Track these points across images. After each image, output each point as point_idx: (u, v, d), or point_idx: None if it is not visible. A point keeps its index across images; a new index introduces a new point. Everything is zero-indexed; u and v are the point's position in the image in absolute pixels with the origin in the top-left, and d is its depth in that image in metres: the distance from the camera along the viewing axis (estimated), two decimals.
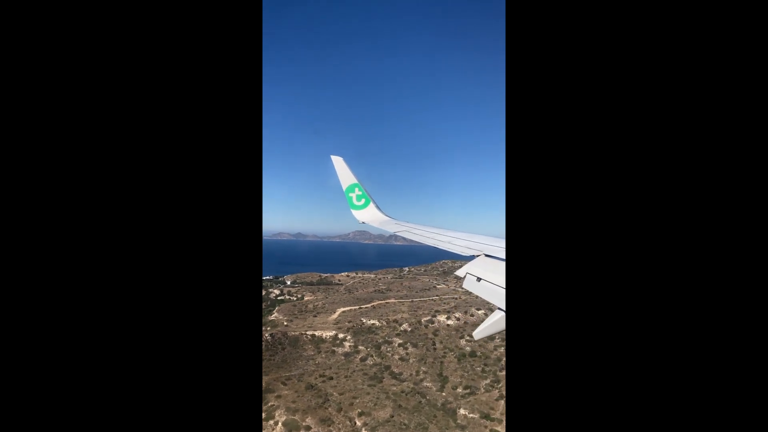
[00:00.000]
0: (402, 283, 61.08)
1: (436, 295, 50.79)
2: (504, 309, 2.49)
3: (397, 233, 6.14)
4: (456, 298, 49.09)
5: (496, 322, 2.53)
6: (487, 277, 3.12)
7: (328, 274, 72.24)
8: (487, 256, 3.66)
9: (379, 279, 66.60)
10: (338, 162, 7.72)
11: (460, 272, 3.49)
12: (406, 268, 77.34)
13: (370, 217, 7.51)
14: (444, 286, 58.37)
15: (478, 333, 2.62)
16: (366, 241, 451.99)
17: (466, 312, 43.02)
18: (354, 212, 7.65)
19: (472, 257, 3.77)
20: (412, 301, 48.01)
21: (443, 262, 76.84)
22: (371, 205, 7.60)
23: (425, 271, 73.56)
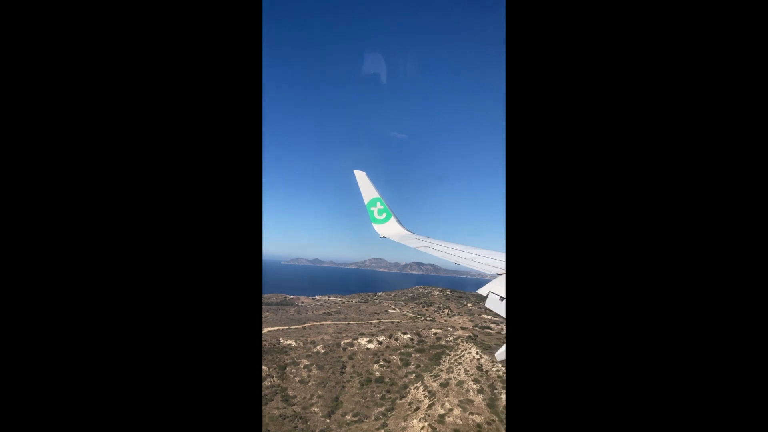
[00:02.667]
0: (359, 307, 59.44)
1: (377, 319, 48.98)
2: None
3: (418, 248, 6.00)
4: (392, 322, 47.12)
5: None
6: None
7: (294, 296, 71.52)
8: None
9: (343, 302, 65.24)
10: (361, 176, 7.63)
11: (482, 290, 3.33)
12: (380, 293, 75.72)
13: (390, 231, 7.31)
14: (397, 310, 56.38)
15: (500, 354, 2.55)
16: (381, 269, 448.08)
17: (390, 336, 41.01)
18: (375, 226, 7.49)
19: (494, 275, 3.59)
20: (348, 323, 46.43)
21: (414, 288, 74.74)
22: (392, 219, 7.42)
23: (395, 296, 71.53)
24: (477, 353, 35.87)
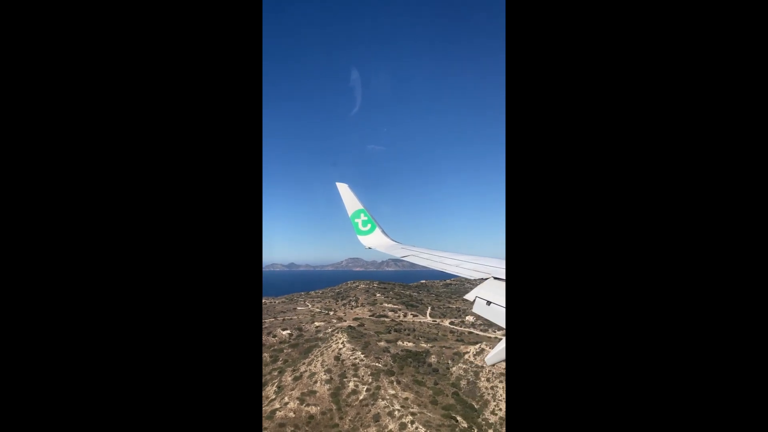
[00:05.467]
0: (273, 308, 57.95)
1: (273, 317, 47.71)
2: None
3: (404, 258, 5.96)
4: (283, 320, 45.97)
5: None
6: (497, 301, 2.99)
7: None
8: (495, 278, 3.51)
9: (264, 304, 63.66)
10: (343, 189, 7.53)
11: (469, 296, 3.35)
12: (312, 291, 74.77)
13: (376, 242, 7.26)
14: (307, 307, 55.40)
15: (490, 358, 2.48)
16: (357, 269, 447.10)
17: (269, 333, 39.82)
18: (360, 238, 7.39)
19: (480, 280, 3.64)
20: None
21: (344, 284, 74.03)
22: (377, 230, 7.34)
23: (322, 293, 70.51)
24: (342, 343, 35.10)
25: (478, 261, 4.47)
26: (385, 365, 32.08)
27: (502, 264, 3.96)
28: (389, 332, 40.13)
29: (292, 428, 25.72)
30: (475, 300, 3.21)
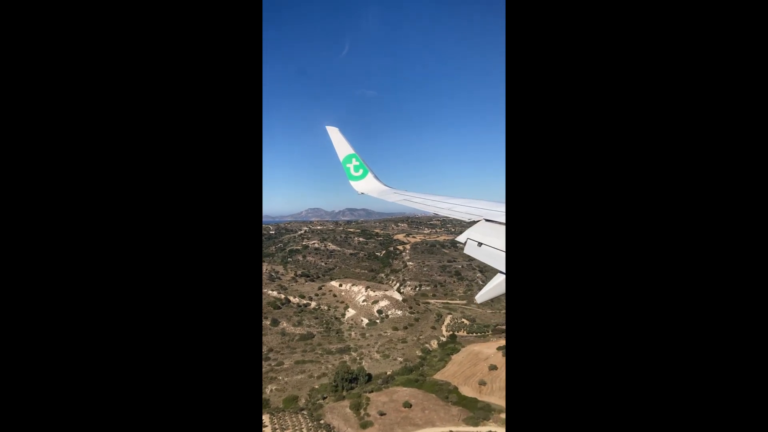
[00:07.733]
0: None
1: None
2: (505, 272, 2.50)
3: (397, 202, 6.11)
4: None
5: (497, 285, 2.54)
6: (487, 242, 3.14)
7: None
8: (487, 220, 3.62)
9: None
10: (334, 132, 7.44)
11: (460, 238, 3.49)
12: None
13: (368, 187, 7.33)
14: None
15: (480, 296, 2.65)
16: (313, 219, 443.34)
17: None
18: (352, 183, 7.42)
19: (472, 222, 3.75)
20: None
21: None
22: (369, 175, 7.38)
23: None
24: None
25: (470, 204, 4.56)
26: None
27: (494, 206, 4.08)
28: None
29: None
30: (466, 241, 3.31)
